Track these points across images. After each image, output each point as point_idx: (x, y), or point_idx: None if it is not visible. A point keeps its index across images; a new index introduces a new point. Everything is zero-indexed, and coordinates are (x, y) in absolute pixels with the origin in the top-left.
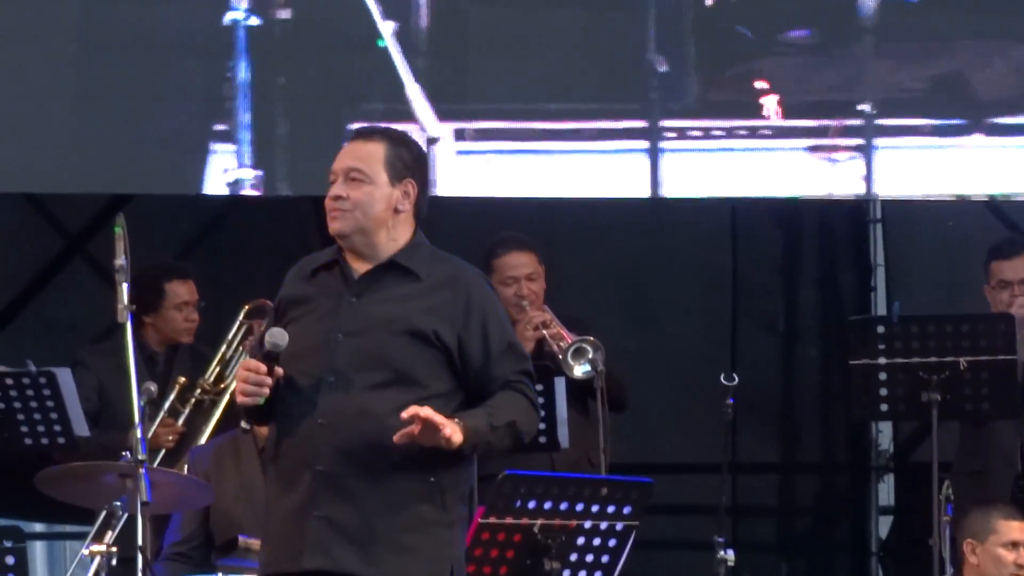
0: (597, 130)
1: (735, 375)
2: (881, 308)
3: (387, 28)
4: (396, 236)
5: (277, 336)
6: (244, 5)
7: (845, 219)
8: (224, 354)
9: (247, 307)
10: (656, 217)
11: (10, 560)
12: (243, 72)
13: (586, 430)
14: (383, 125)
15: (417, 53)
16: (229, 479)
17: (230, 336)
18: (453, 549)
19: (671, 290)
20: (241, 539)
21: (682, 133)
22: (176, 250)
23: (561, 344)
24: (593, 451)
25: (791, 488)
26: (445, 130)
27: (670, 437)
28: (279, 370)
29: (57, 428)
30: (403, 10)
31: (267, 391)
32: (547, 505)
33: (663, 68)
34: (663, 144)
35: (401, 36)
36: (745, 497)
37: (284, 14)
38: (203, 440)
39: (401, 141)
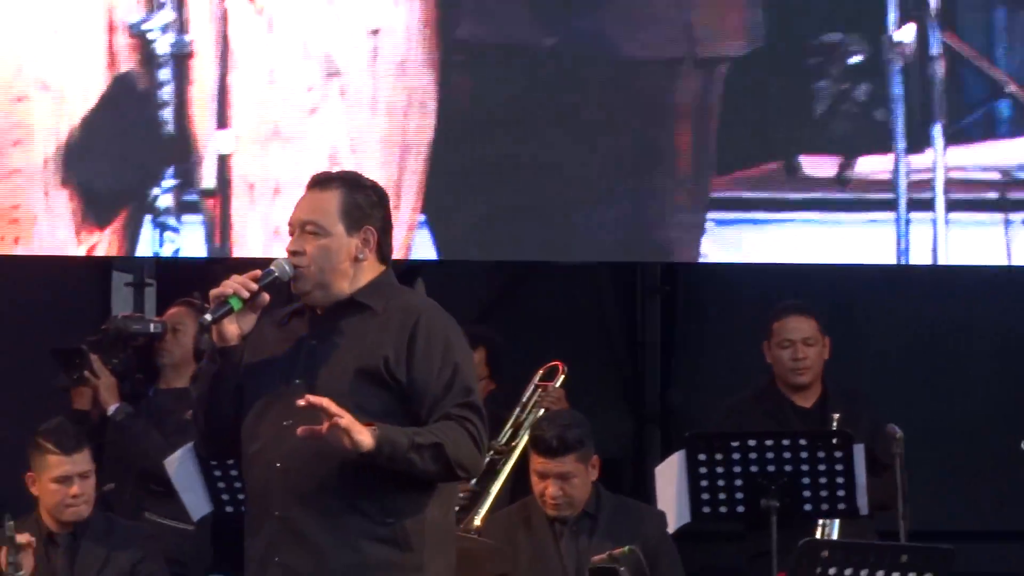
0: None
1: None
2: None
3: None
4: (359, 282)
5: (283, 264)
6: None
7: None
8: (518, 417)
9: (540, 370)
10: (952, 284)
11: None
12: None
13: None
14: (344, 171)
15: None
16: (522, 548)
17: (524, 399)
18: None
19: (970, 356)
20: None
21: None
22: (474, 315)
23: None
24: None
25: None
26: None
27: (971, 504)
28: (266, 296)
29: None
30: None
31: (247, 294)
32: (847, 572)
33: None
34: None
35: None
36: None
37: None
38: (489, 501)
39: (358, 185)
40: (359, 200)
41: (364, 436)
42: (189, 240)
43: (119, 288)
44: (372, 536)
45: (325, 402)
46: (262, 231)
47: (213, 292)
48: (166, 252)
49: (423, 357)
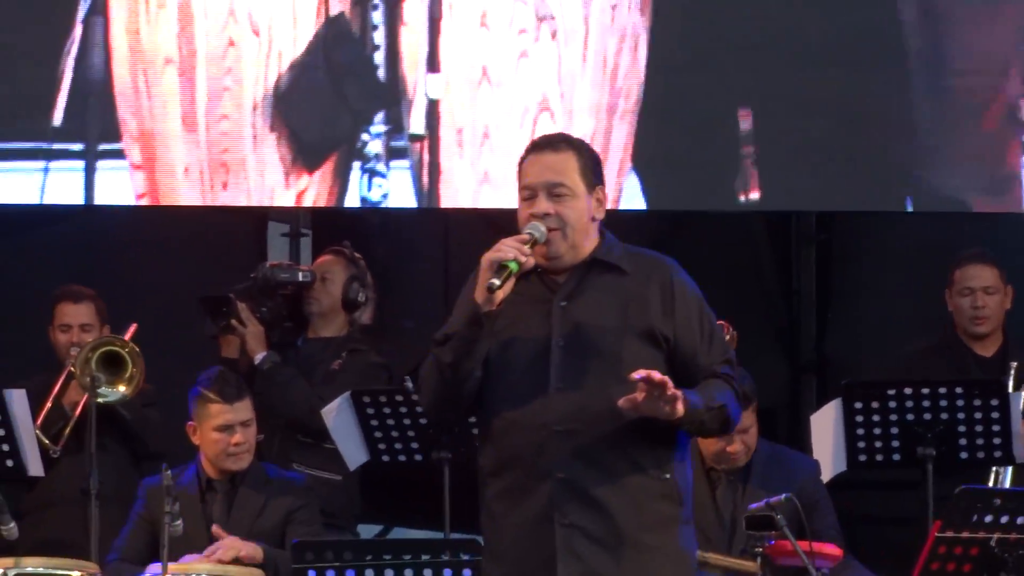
0: None
1: None
2: None
3: None
4: (592, 242)
5: (539, 227)
6: None
7: None
8: None
9: None
10: None
11: (467, 573)
12: None
13: None
14: (562, 133)
15: None
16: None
17: None
18: (692, 545)
19: None
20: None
21: None
22: None
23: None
24: None
25: None
26: None
27: None
28: (532, 260)
29: None
30: None
31: (524, 259)
32: (1003, 519)
33: None
34: None
35: None
36: None
37: None
38: None
39: (586, 148)
40: (588, 161)
41: (680, 404)
42: (397, 186)
43: (275, 238)
44: (652, 493)
45: (657, 375)
46: (470, 176)
47: (491, 256)
48: (374, 197)
49: (684, 315)
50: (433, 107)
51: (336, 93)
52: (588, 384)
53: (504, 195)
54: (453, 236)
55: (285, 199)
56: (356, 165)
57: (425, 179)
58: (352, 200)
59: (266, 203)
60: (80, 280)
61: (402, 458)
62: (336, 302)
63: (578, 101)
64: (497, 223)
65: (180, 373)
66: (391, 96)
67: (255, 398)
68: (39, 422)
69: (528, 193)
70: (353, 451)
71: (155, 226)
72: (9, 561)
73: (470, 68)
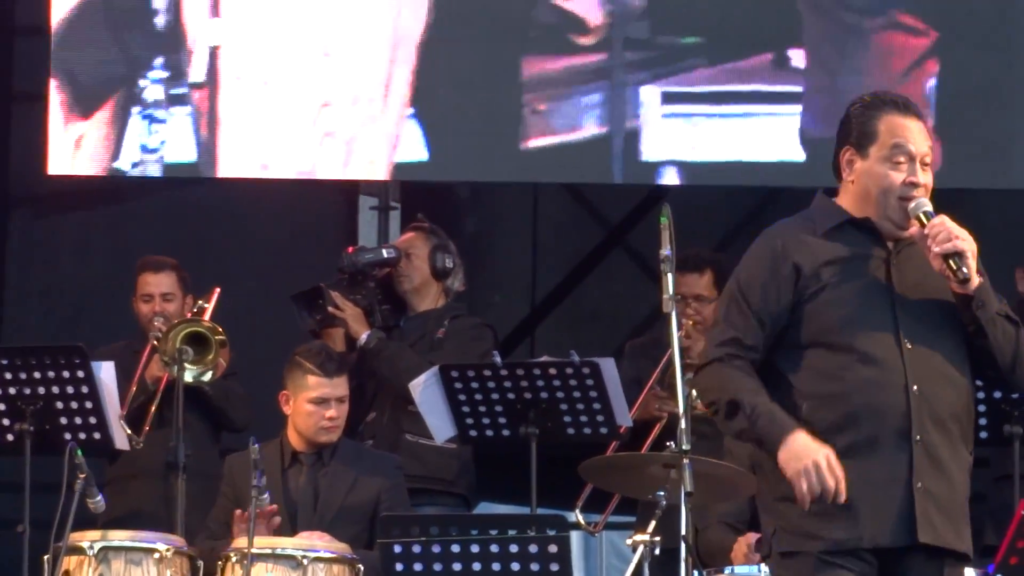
0: None
1: None
2: None
3: None
4: None
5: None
6: None
7: None
8: None
9: None
10: None
11: (552, 548)
12: None
13: None
14: (908, 98)
15: None
16: None
17: None
18: None
19: None
20: None
21: None
22: (715, 241)
23: None
24: None
25: None
26: None
27: None
28: None
29: (600, 418)
30: None
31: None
32: None
33: None
34: None
35: None
36: None
37: None
38: None
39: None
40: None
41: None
42: (176, 133)
43: (365, 211)
44: (968, 463)
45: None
46: (251, 124)
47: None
48: (152, 144)
49: None
50: (214, 54)
51: (115, 38)
52: (933, 346)
53: (284, 144)
54: (541, 209)
55: (64, 143)
56: (135, 111)
57: (204, 126)
58: (131, 147)
59: (45, 148)
60: (169, 252)
61: (489, 433)
62: (425, 275)
63: (358, 52)
64: (585, 197)
65: (266, 348)
66: (172, 42)
67: (368, 379)
68: (124, 408)
69: (902, 157)
70: (440, 425)
71: (246, 199)
72: (96, 534)
73: (252, 15)
